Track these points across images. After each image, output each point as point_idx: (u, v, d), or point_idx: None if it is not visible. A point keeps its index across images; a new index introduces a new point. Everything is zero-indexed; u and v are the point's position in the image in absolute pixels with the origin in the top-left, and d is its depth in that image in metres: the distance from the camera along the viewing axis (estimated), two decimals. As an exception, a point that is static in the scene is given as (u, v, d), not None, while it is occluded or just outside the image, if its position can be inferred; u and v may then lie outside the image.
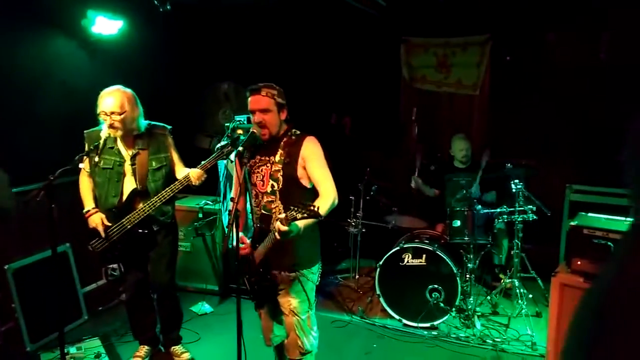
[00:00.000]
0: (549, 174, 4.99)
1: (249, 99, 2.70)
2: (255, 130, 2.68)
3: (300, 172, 2.69)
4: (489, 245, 4.47)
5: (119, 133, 3.19)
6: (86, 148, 3.24)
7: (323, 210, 2.40)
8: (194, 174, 3.19)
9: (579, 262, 3.14)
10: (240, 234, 2.76)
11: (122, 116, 3.14)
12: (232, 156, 4.44)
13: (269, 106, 2.67)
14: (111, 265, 4.57)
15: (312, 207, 2.25)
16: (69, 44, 4.35)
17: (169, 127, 3.48)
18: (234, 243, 2.59)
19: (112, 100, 3.11)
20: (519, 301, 4.15)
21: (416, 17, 5.65)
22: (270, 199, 2.70)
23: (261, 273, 2.77)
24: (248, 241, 2.79)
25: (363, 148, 6.18)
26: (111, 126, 3.14)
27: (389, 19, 5.58)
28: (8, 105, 3.82)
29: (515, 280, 4.23)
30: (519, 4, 4.96)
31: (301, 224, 2.43)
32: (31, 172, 3.69)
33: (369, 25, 5.72)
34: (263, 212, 2.73)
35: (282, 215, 2.33)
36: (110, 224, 3.24)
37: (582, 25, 4.89)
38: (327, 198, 2.60)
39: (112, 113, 3.11)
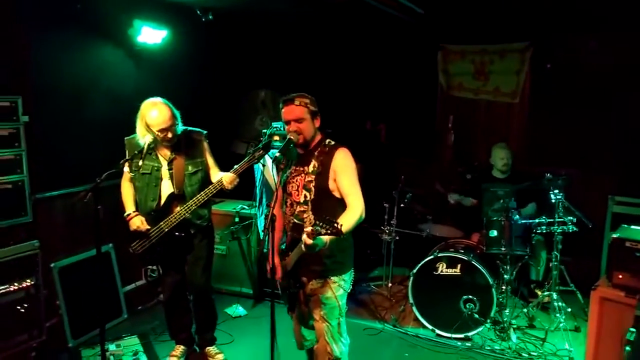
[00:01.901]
0: (590, 185, 4.85)
1: (283, 109, 2.76)
2: (292, 137, 2.73)
3: (331, 183, 2.72)
4: (526, 257, 4.37)
5: (174, 141, 3.34)
6: (127, 154, 3.37)
7: (346, 227, 2.43)
8: (227, 179, 3.26)
9: (620, 276, 3.05)
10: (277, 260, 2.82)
11: (172, 128, 3.28)
12: (268, 161, 4.56)
13: (302, 115, 2.72)
14: (150, 267, 4.71)
15: (336, 225, 2.30)
16: (116, 52, 4.53)
17: (205, 132, 3.58)
18: (269, 247, 2.65)
19: (163, 115, 3.23)
20: (557, 315, 4.04)
21: (454, 24, 5.61)
22: (302, 209, 2.74)
23: (292, 279, 2.82)
24: (278, 259, 2.86)
25: (398, 155, 6.16)
26: (166, 140, 3.29)
27: (426, 26, 5.56)
28: (57, 111, 4.00)
29: (554, 294, 4.12)
30: (559, 10, 4.86)
31: (327, 238, 2.46)
32: (77, 175, 3.89)
33: (406, 32, 5.71)
34: (296, 221, 2.77)
35: (309, 229, 2.37)
36: (149, 227, 3.36)
37: (625, 31, 4.74)
38: (353, 212, 2.62)
39: (165, 129, 3.24)
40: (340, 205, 2.70)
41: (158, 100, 3.29)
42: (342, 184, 2.70)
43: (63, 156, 4.03)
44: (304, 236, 2.40)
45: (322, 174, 2.71)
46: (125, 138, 3.44)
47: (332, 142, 2.81)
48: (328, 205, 2.69)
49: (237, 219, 4.90)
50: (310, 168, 2.73)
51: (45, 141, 3.89)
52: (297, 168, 2.82)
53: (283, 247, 2.93)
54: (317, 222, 2.33)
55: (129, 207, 3.45)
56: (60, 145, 4.02)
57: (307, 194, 2.72)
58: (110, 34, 4.43)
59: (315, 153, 2.76)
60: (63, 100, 4.06)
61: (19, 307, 3.52)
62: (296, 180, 2.80)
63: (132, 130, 3.38)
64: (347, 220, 2.54)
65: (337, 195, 2.73)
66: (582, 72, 5.06)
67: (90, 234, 3.10)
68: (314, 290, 2.81)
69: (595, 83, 4.97)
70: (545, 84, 5.34)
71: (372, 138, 6.34)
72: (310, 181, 2.72)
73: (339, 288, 2.81)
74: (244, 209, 4.96)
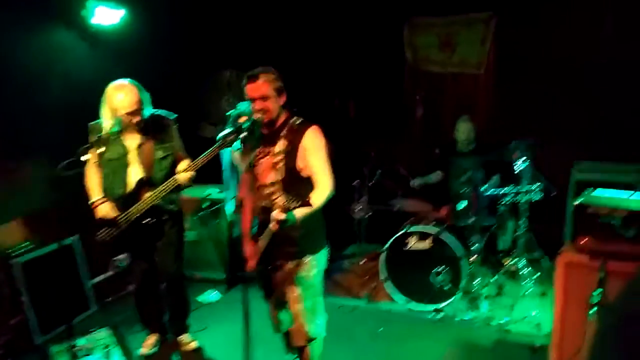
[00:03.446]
0: (555, 152, 4.95)
1: (247, 86, 2.65)
2: (257, 117, 2.66)
3: (301, 162, 2.67)
4: (494, 227, 4.46)
5: (141, 125, 3.21)
6: (90, 140, 3.23)
7: (316, 202, 2.44)
8: (182, 177, 3.16)
9: (584, 240, 3.13)
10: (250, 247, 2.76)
11: (140, 112, 3.15)
12: (236, 144, 4.48)
13: (267, 92, 2.63)
14: (118, 256, 4.59)
15: (305, 199, 2.31)
16: (70, 35, 4.32)
17: (175, 115, 3.46)
18: (239, 232, 2.60)
19: (129, 98, 3.09)
20: (525, 282, 4.15)
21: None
22: (271, 190, 2.69)
23: (265, 262, 2.78)
24: (254, 254, 2.80)
25: (367, 131, 6.15)
26: (134, 124, 3.16)
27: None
28: (10, 98, 3.81)
29: (521, 261, 4.22)
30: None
31: (298, 213, 2.43)
32: (34, 164, 3.72)
33: (372, 5, 5.65)
34: (265, 203, 2.73)
35: (280, 203, 2.35)
36: (117, 214, 3.25)
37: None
38: (322, 190, 2.60)
39: (132, 112, 3.11)
40: (310, 183, 2.66)
41: (125, 82, 3.14)
42: (311, 163, 2.65)
43: (18, 145, 3.84)
44: (275, 212, 2.36)
45: (291, 153, 2.65)
46: (89, 123, 3.28)
47: (300, 121, 2.74)
48: (298, 184, 2.64)
49: (206, 204, 4.81)
50: (278, 148, 2.67)
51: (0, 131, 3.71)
52: (264, 149, 2.75)
53: (254, 231, 2.89)
54: (288, 197, 2.32)
55: (95, 193, 3.31)
56: (15, 134, 3.84)
57: (276, 174, 2.66)
58: (63, 15, 4.22)
59: (283, 132, 2.70)
60: (17, 87, 3.86)
61: (-20, 307, 3.39)
62: (263, 162, 2.74)
63: (93, 115, 3.23)
64: (317, 197, 2.53)
65: (306, 173, 2.69)
66: (546, 42, 5.11)
67: (52, 226, 2.98)
68: (289, 271, 2.79)
69: (559, 52, 5.02)
70: (510, 53, 5.38)
71: (340, 115, 6.29)
72: (279, 161, 2.66)
73: (313, 267, 2.80)
74: (212, 193, 4.88)
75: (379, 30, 5.87)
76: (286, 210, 2.33)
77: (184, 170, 3.17)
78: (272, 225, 2.41)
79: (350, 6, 5.68)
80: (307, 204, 2.31)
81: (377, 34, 5.88)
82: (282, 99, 2.71)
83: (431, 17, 5.71)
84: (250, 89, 2.65)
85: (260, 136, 2.76)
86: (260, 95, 2.63)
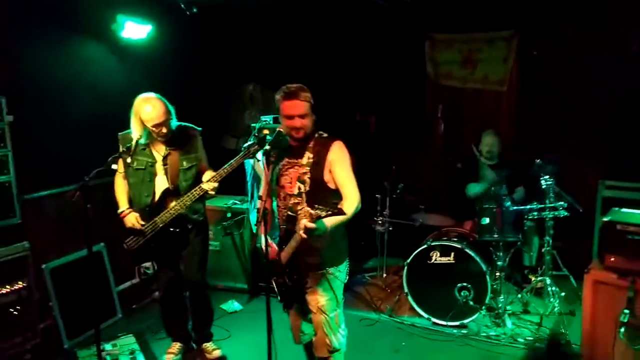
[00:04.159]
0: (581, 170, 4.87)
1: (285, 103, 2.66)
2: (282, 130, 2.70)
3: (327, 175, 2.71)
4: (519, 243, 4.40)
5: (168, 137, 3.31)
6: (120, 149, 3.33)
7: (349, 211, 2.41)
8: (207, 187, 3.23)
9: (612, 259, 3.07)
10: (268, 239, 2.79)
11: (167, 123, 3.24)
12: (259, 155, 4.54)
13: (306, 110, 2.66)
14: (144, 264, 4.69)
15: (335, 203, 2.29)
16: (100, 49, 4.46)
17: (199, 129, 3.55)
18: (262, 242, 2.62)
19: (157, 110, 3.18)
20: (551, 299, 4.08)
21: (440, 12, 5.60)
22: (296, 201, 2.72)
23: (288, 273, 2.79)
24: (275, 245, 2.82)
25: (388, 146, 6.16)
26: (161, 135, 3.25)
27: (413, 15, 5.55)
28: (42, 109, 3.93)
29: (547, 278, 4.16)
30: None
31: (327, 222, 2.44)
32: (64, 174, 3.84)
33: (393, 21, 5.69)
34: (289, 213, 2.74)
35: (311, 211, 2.33)
36: (144, 223, 3.32)
37: (612, 15, 4.76)
38: (351, 201, 2.62)
39: (160, 124, 3.20)
40: (334, 196, 2.67)
41: (152, 95, 3.24)
42: (338, 175, 2.69)
43: (51, 155, 3.97)
44: (304, 220, 2.37)
45: (318, 166, 2.69)
46: (119, 133, 3.39)
47: (325, 135, 2.79)
48: (322, 196, 2.65)
49: (229, 214, 4.87)
50: (305, 160, 2.71)
51: (31, 141, 3.83)
52: (290, 160, 2.79)
53: (276, 241, 2.92)
54: (317, 206, 2.31)
55: (123, 203, 3.41)
56: (47, 145, 3.96)
57: (302, 185, 2.70)
58: (93, 30, 4.36)
59: (310, 145, 2.74)
60: (48, 99, 3.99)
61: (11, 310, 3.48)
62: (289, 173, 2.78)
63: (121, 126, 3.33)
64: (347, 207, 2.52)
65: (331, 186, 2.72)
66: (569, 58, 5.08)
67: (80, 233, 3.07)
68: (311, 282, 2.80)
69: (583, 69, 4.98)
70: (532, 71, 5.35)
71: (361, 129, 6.33)
72: (305, 173, 2.70)
73: (335, 279, 2.81)
74: (236, 203, 4.94)
75: (400, 46, 5.90)
76: (316, 218, 2.35)
77: (208, 180, 3.25)
78: (301, 234, 2.43)
79: (372, 21, 5.73)
80: (337, 210, 2.31)
81: (398, 49, 5.91)
82: (314, 116, 2.75)
83: (452, 33, 5.72)
84: (290, 107, 2.66)
85: (287, 148, 2.81)
86: (300, 114, 2.65)
